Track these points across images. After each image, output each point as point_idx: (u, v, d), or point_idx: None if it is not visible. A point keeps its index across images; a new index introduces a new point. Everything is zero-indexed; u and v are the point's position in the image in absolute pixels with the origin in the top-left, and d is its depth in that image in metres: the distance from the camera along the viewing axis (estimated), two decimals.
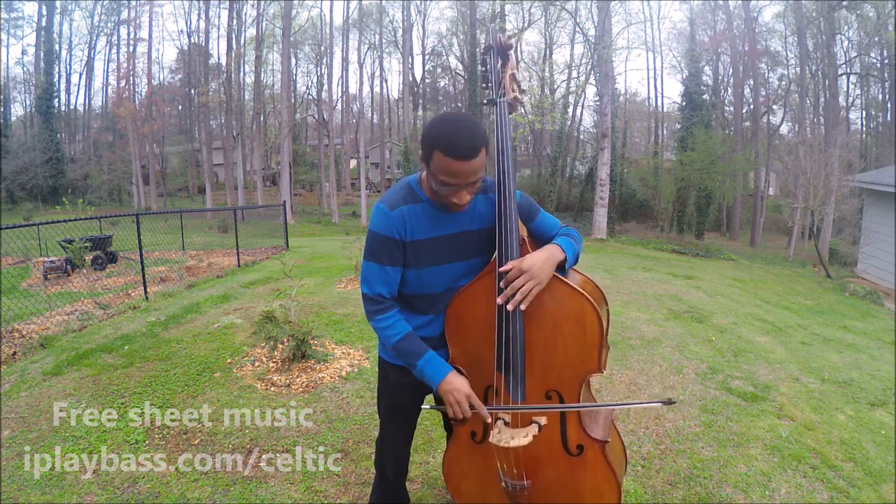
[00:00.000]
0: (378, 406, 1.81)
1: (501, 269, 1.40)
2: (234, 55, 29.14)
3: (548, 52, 32.02)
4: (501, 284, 1.40)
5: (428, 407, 1.53)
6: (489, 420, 1.46)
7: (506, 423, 1.50)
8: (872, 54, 26.51)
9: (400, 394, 1.66)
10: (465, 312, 1.52)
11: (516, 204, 1.46)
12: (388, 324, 1.47)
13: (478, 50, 29.40)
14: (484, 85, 1.55)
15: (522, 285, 1.36)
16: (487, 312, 1.48)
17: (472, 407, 1.44)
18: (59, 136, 32.49)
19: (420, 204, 1.46)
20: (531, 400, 1.49)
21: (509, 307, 1.38)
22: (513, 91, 1.51)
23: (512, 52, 1.55)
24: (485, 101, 1.56)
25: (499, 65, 1.52)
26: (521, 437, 1.45)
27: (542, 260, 1.38)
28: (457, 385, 1.42)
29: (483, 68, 1.55)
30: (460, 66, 34.95)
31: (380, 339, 1.67)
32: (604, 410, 1.73)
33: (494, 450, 1.51)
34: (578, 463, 1.52)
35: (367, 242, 1.48)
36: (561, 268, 1.43)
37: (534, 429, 1.47)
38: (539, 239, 1.57)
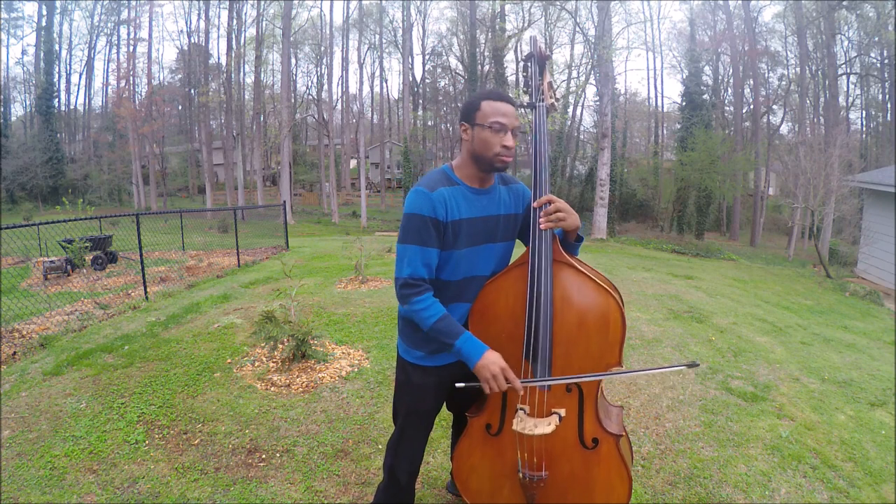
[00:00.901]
0: (396, 408, 1.78)
1: (545, 198, 1.51)
2: (234, 55, 29.15)
3: (548, 52, 31.98)
4: (541, 216, 1.51)
5: (463, 385, 1.51)
6: (522, 392, 1.50)
7: (526, 414, 1.53)
8: (872, 54, 26.53)
9: (423, 395, 1.66)
10: (491, 303, 1.57)
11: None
12: (426, 305, 1.48)
13: (477, 50, 29.43)
14: (525, 89, 1.64)
15: (560, 210, 1.50)
16: (515, 303, 1.54)
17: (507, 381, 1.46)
18: (59, 136, 32.53)
19: (456, 187, 1.54)
20: (555, 390, 1.54)
21: (544, 225, 1.49)
22: (550, 98, 1.60)
23: (548, 61, 1.66)
24: (525, 105, 1.64)
25: (538, 72, 1.61)
26: (545, 426, 1.48)
27: (572, 209, 1.55)
28: (494, 359, 1.44)
29: (524, 74, 1.65)
30: (460, 66, 34.93)
31: (402, 337, 1.68)
32: (614, 409, 1.75)
33: (517, 438, 1.55)
34: (593, 456, 1.56)
35: (405, 225, 1.50)
36: (578, 233, 1.57)
37: (555, 419, 1.51)
38: None
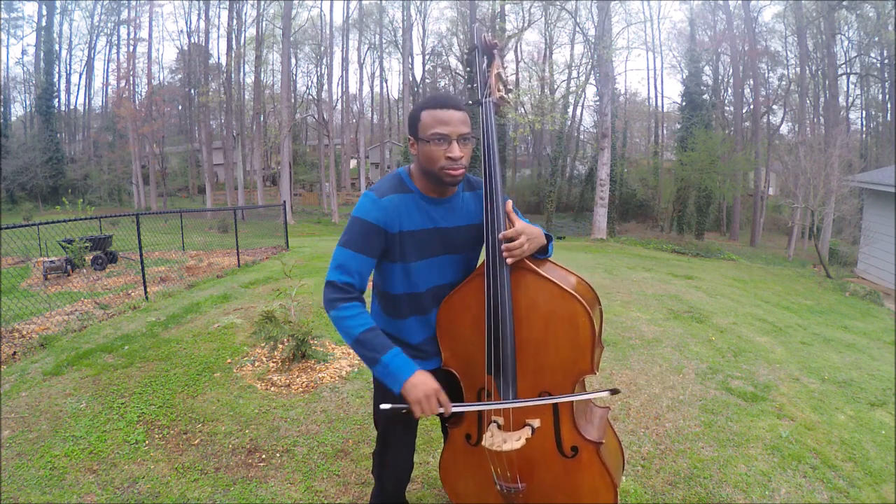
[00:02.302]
0: (376, 419, 1.73)
1: (502, 234, 1.41)
2: (234, 55, 29.14)
3: (548, 52, 32.08)
4: (502, 242, 1.41)
5: (388, 407, 1.38)
6: (448, 413, 1.39)
7: (498, 427, 1.49)
8: (872, 54, 26.53)
9: (401, 403, 1.62)
10: (455, 315, 1.52)
11: (504, 201, 1.47)
12: (353, 313, 1.38)
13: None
14: (471, 85, 1.57)
15: (521, 244, 1.39)
16: (478, 314, 1.47)
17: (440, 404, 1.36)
18: (59, 136, 32.51)
19: (410, 194, 1.46)
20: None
21: (509, 260, 1.40)
22: (498, 91, 1.51)
23: (497, 51, 1.55)
24: (471, 102, 1.55)
25: (484, 65, 1.52)
26: (514, 441, 1.43)
27: (535, 229, 1.45)
28: (424, 379, 1.34)
29: (469, 68, 1.56)
30: (460, 66, 34.89)
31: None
32: (598, 411, 1.73)
33: (487, 453, 1.50)
34: (573, 464, 1.51)
35: (349, 228, 1.43)
36: (544, 250, 1.49)
37: (527, 432, 1.46)
38: None
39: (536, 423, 1.48)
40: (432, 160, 1.38)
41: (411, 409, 1.34)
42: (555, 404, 1.48)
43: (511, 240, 1.39)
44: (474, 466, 1.62)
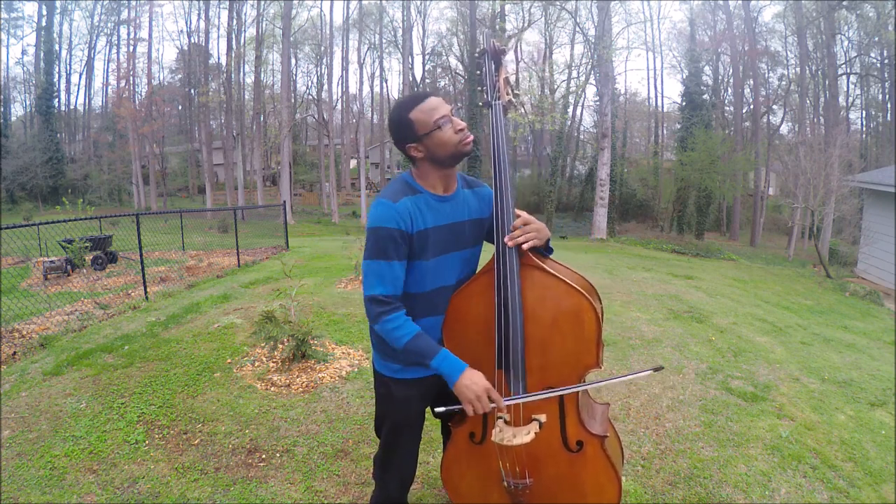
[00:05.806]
0: (379, 425, 1.73)
1: (514, 223, 1.46)
2: (234, 55, 29.15)
3: (548, 52, 32.07)
4: (511, 228, 1.46)
5: (443, 410, 1.46)
6: (505, 410, 1.46)
7: (506, 422, 1.51)
8: (872, 54, 26.53)
9: (408, 408, 1.62)
10: (463, 311, 1.54)
11: (513, 201, 1.51)
12: (398, 324, 1.43)
13: (477, 50, 29.38)
14: (480, 87, 1.59)
15: (530, 232, 1.45)
16: (486, 311, 1.50)
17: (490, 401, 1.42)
18: (59, 136, 32.50)
19: (419, 195, 1.49)
20: None
21: (509, 244, 1.44)
22: (507, 94, 1.55)
23: (505, 57, 1.60)
24: (480, 104, 1.61)
25: (493, 69, 1.56)
26: (524, 435, 1.46)
27: (540, 223, 1.51)
28: (475, 379, 1.40)
29: (478, 72, 1.60)
30: (460, 66, 34.92)
31: (377, 351, 1.63)
32: (599, 408, 1.74)
33: (497, 449, 1.52)
34: (578, 459, 1.54)
35: (370, 240, 1.45)
36: (547, 246, 1.54)
37: (535, 426, 1.48)
38: None
39: (543, 417, 1.51)
40: (447, 143, 1.44)
41: (463, 408, 1.41)
42: (561, 399, 1.51)
43: (522, 224, 1.46)
44: (478, 465, 1.63)
